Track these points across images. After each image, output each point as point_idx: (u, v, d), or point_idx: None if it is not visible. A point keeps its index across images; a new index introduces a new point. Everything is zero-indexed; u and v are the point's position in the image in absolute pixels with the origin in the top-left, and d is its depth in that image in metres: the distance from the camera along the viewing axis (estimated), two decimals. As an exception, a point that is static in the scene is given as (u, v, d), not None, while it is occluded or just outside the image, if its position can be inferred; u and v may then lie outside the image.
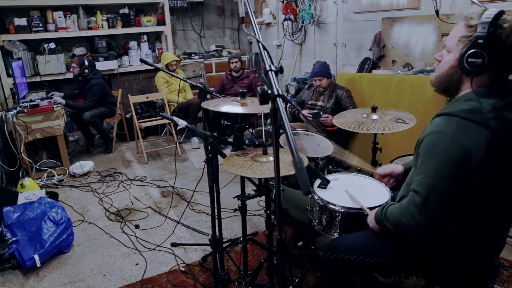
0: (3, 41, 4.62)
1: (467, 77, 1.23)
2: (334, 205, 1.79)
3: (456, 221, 1.28)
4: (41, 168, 3.92)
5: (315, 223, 1.94)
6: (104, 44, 5.26)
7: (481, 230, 1.30)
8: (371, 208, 1.76)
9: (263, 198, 2.09)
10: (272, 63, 1.10)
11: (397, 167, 1.74)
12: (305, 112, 3.53)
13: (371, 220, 1.51)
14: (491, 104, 1.17)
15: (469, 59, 1.17)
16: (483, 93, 1.20)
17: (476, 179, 1.19)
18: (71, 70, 4.65)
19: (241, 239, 2.18)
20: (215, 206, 1.89)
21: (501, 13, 1.15)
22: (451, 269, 1.37)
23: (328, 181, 2.00)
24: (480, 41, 1.15)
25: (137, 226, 2.93)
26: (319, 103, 3.67)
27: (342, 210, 1.76)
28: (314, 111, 3.48)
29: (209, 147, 1.77)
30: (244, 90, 2.10)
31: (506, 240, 1.40)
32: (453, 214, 1.26)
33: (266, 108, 1.44)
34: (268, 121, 2.67)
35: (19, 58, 4.51)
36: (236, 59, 4.81)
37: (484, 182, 1.20)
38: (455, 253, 1.34)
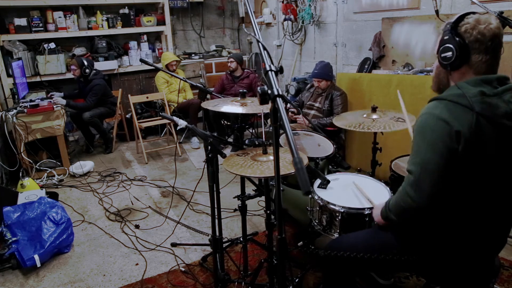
0: (3, 41, 4.62)
1: (451, 72, 1.33)
2: (334, 205, 1.79)
3: (453, 212, 1.31)
4: (41, 168, 3.92)
5: (315, 223, 1.94)
6: (104, 44, 5.26)
7: (478, 223, 1.32)
8: (371, 208, 1.77)
9: (263, 198, 2.09)
10: (272, 63, 1.10)
11: None
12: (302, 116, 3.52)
13: (376, 214, 1.54)
14: (477, 90, 1.23)
15: (442, 55, 1.31)
16: (469, 83, 1.27)
17: (464, 161, 1.22)
18: (71, 72, 4.64)
19: (241, 239, 2.18)
20: (215, 206, 1.89)
21: (469, 13, 1.27)
22: (451, 265, 1.37)
23: (328, 181, 2.00)
24: (446, 37, 1.29)
25: (137, 226, 2.93)
26: (316, 104, 3.67)
27: (342, 210, 1.76)
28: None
29: (209, 147, 1.77)
30: (244, 90, 2.11)
31: (506, 239, 1.40)
32: (450, 203, 1.29)
33: (266, 108, 1.44)
34: (268, 121, 2.68)
35: (19, 58, 4.50)
36: (232, 59, 4.80)
37: (472, 167, 1.23)
38: (454, 248, 1.34)
